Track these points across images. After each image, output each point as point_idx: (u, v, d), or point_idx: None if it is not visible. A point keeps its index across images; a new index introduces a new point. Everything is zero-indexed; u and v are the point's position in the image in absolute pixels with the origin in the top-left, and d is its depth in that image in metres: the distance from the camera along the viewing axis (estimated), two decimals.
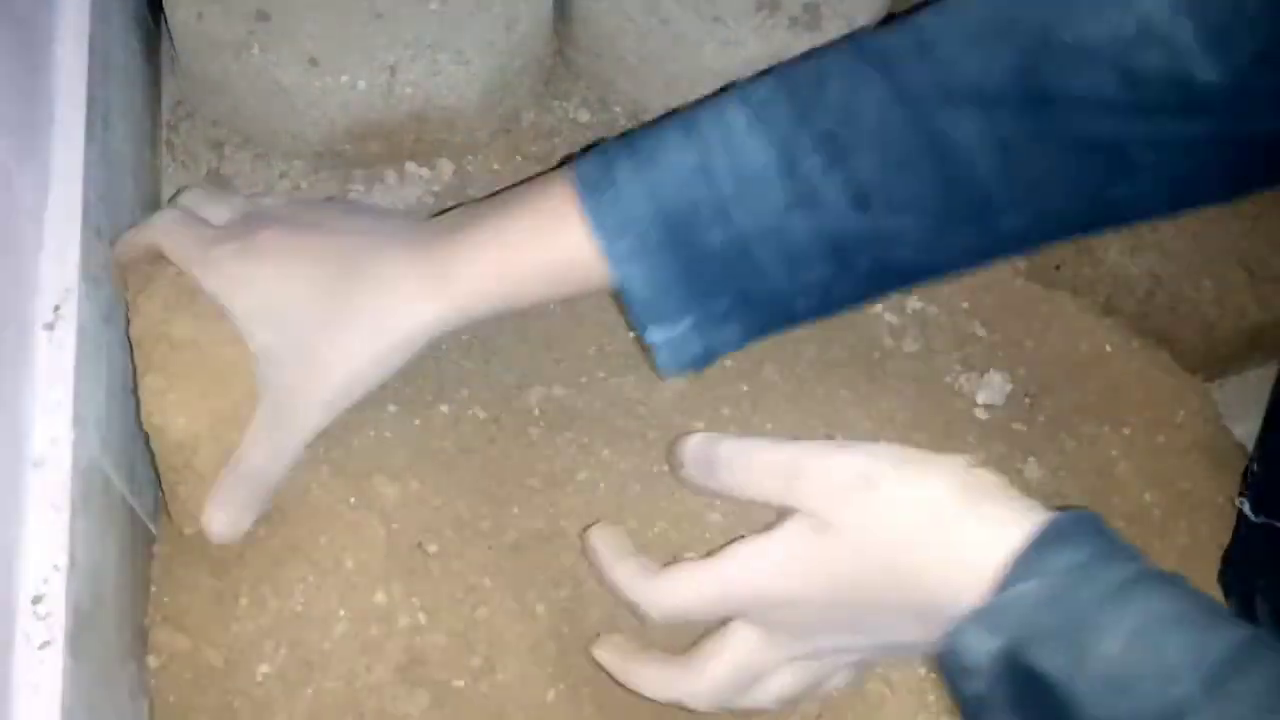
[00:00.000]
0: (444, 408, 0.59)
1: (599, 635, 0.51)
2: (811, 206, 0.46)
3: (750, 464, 0.44)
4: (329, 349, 0.48)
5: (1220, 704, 0.34)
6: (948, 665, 0.40)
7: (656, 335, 0.48)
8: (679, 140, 0.48)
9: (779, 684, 0.46)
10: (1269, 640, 0.36)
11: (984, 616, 0.38)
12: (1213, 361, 0.68)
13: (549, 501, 0.56)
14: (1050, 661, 0.37)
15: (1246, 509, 0.56)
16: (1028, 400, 0.64)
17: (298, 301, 0.48)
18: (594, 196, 0.47)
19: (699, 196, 0.46)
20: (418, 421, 0.58)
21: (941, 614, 0.40)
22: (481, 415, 0.59)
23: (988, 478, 0.41)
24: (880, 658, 0.51)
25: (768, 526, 0.43)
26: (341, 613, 0.52)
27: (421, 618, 0.53)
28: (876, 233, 0.47)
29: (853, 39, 0.49)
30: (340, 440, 0.58)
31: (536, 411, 0.59)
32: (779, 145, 0.46)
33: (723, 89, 0.50)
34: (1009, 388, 0.64)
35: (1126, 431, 0.62)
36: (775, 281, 0.48)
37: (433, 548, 0.54)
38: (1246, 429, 0.67)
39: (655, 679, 0.47)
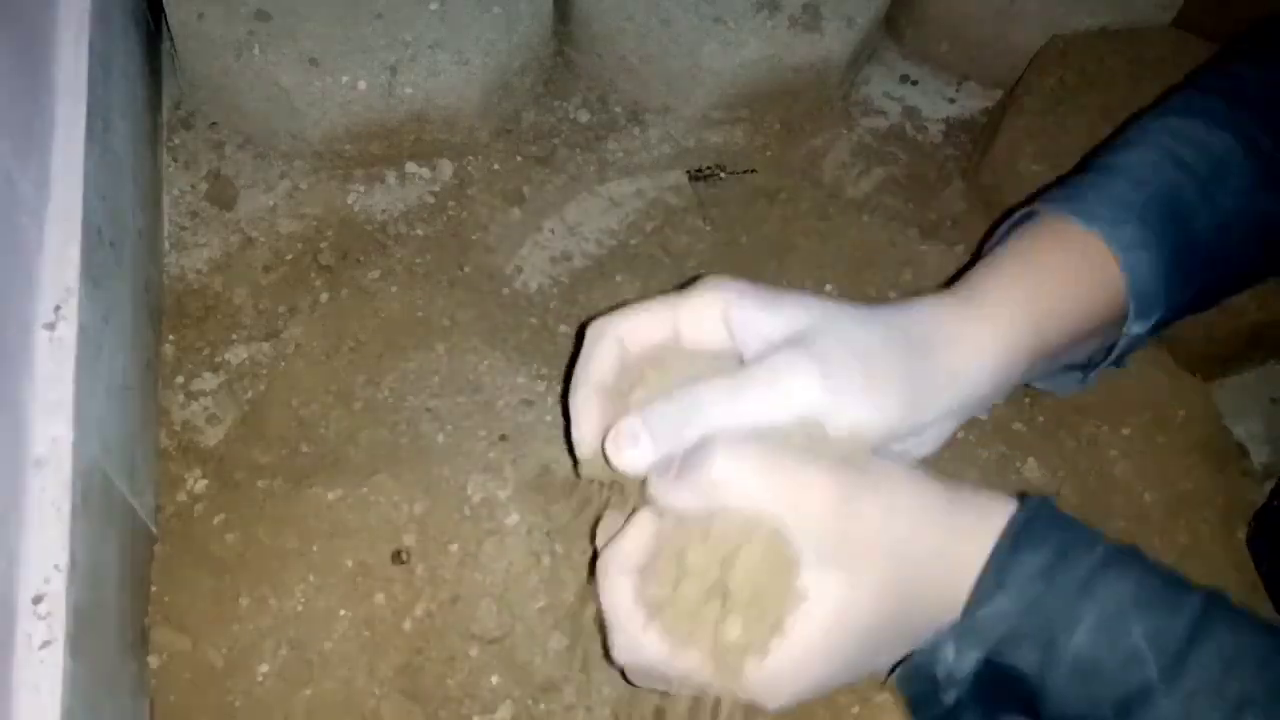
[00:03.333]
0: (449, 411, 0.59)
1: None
2: (1276, 187, 0.48)
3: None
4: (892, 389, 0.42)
5: (1178, 683, 0.37)
6: (922, 677, 0.41)
7: (1137, 328, 0.47)
8: (1129, 152, 0.49)
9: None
10: (1221, 611, 0.39)
11: (964, 634, 0.40)
12: (1213, 361, 0.68)
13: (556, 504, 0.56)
14: (1024, 659, 0.39)
15: None
16: (1028, 400, 0.63)
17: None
18: (1076, 204, 0.47)
19: (1179, 180, 0.47)
20: (428, 424, 0.58)
21: (934, 628, 0.41)
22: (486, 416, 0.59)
23: (944, 490, 0.41)
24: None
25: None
26: (342, 613, 0.52)
27: (422, 618, 0.53)
28: None
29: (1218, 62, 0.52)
30: (343, 440, 0.58)
31: (550, 417, 0.59)
32: (1233, 130, 0.48)
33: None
34: None
35: (1126, 431, 0.62)
36: (1240, 266, 0.49)
37: (434, 549, 0.54)
38: (1246, 429, 0.67)
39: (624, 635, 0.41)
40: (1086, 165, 0.50)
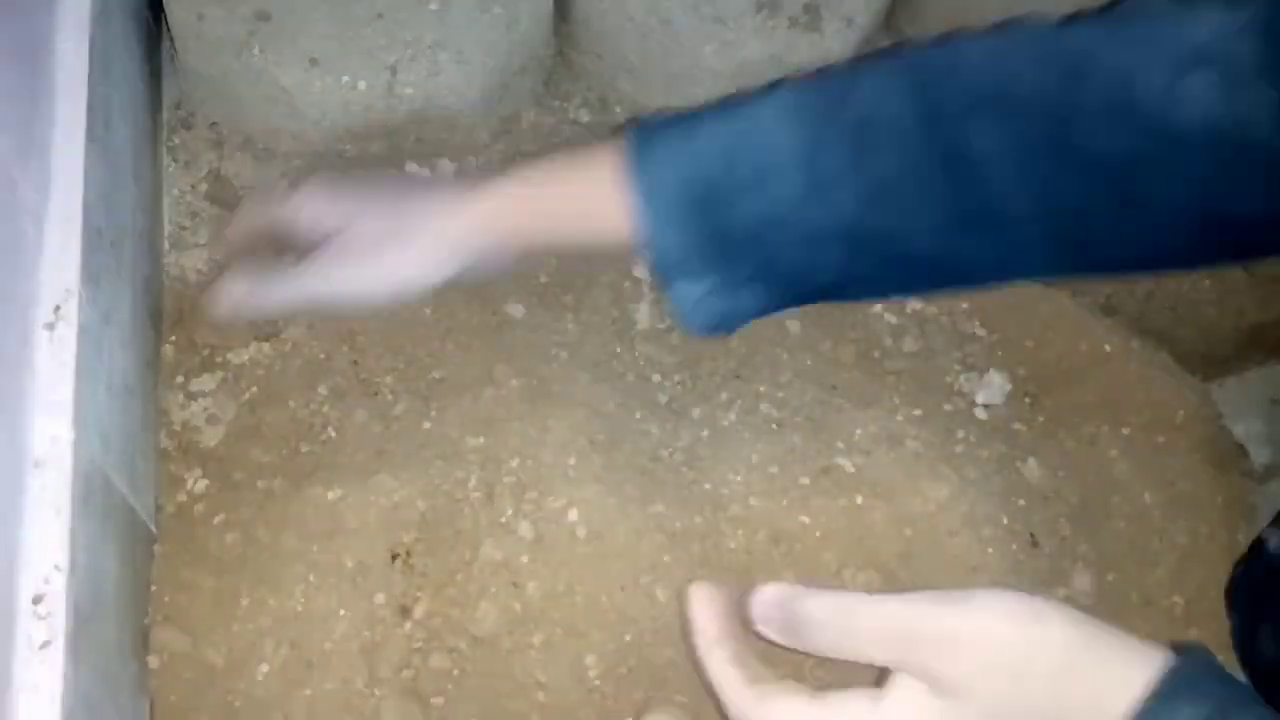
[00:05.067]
0: (450, 412, 0.59)
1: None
2: (825, 200, 0.48)
3: (851, 629, 0.40)
4: (391, 249, 0.53)
5: None
6: None
7: (681, 290, 0.50)
8: (715, 121, 0.50)
9: None
10: None
11: None
12: (1213, 361, 0.68)
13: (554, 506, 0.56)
14: None
15: (1273, 543, 0.55)
16: (1028, 400, 0.64)
17: (372, 214, 0.54)
18: (635, 157, 0.50)
19: (721, 178, 0.49)
20: (427, 424, 0.58)
21: None
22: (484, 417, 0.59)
23: (1099, 624, 0.40)
24: None
25: (877, 683, 0.40)
26: (342, 613, 0.52)
27: (422, 619, 0.53)
28: (889, 230, 0.48)
29: (895, 49, 0.51)
30: (343, 439, 0.58)
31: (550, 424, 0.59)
32: (804, 137, 0.48)
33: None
34: (1009, 388, 0.64)
35: (1126, 431, 0.62)
36: (793, 258, 0.49)
37: (434, 549, 0.54)
38: (1246, 429, 0.67)
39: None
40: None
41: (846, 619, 0.40)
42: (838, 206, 0.48)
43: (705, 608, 0.43)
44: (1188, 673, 0.38)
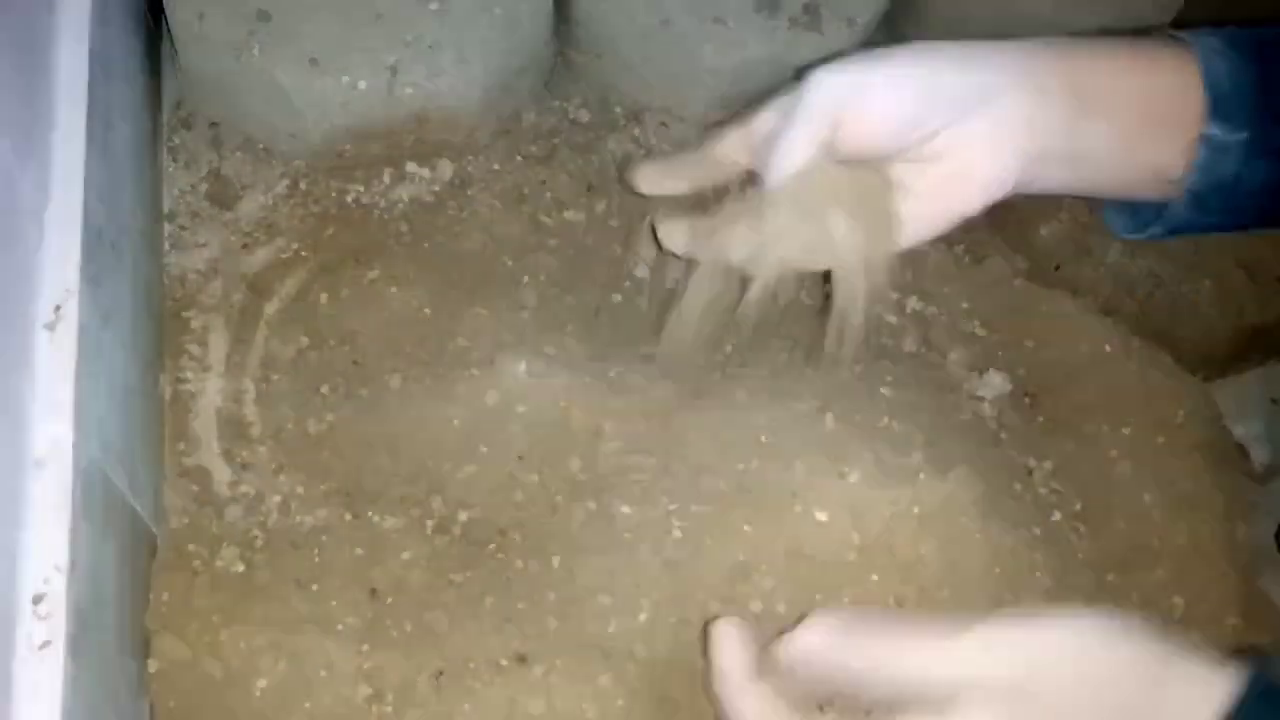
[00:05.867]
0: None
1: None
2: None
3: (907, 678, 0.39)
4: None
5: None
6: None
7: (1214, 129, 0.48)
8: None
9: None
10: None
11: None
12: (1213, 361, 0.68)
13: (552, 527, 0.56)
14: None
15: None
16: (1028, 400, 0.64)
17: None
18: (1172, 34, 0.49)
19: (1268, 34, 0.48)
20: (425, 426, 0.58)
21: None
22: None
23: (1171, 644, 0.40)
24: None
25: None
26: (340, 628, 0.52)
27: (422, 639, 0.52)
28: None
29: None
30: (345, 463, 0.58)
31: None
32: None
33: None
34: (1009, 388, 0.64)
35: (1126, 431, 0.62)
36: None
37: (435, 570, 0.54)
38: (1246, 429, 0.67)
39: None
40: None
41: (896, 668, 0.39)
42: None
43: (730, 649, 0.42)
44: (1252, 707, 0.37)
